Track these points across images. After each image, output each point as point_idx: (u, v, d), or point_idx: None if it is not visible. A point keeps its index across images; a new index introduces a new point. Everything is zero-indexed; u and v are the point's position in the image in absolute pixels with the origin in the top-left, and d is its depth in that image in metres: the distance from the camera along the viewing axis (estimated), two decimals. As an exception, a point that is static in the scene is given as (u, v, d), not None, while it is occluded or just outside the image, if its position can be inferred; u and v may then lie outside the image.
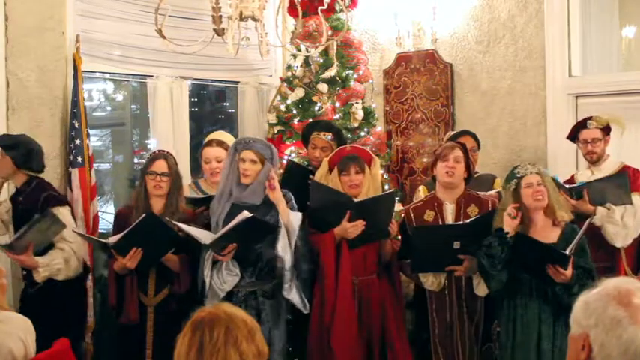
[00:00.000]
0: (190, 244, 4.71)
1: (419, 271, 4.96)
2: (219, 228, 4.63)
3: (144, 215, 4.56)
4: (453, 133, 6.22)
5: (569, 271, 4.29)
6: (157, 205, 4.88)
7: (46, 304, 4.89)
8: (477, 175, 5.69)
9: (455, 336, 4.95)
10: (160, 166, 4.84)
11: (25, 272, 5.03)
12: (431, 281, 4.96)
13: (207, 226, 4.80)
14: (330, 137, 5.53)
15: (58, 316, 4.86)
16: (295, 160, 6.44)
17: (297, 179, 5.34)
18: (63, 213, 5.03)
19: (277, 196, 4.65)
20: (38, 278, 4.88)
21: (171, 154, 5.00)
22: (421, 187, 5.70)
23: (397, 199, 5.54)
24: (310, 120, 6.51)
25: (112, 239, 4.66)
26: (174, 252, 4.76)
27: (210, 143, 5.44)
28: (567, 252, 4.29)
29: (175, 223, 4.60)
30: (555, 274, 4.30)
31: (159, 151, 5.11)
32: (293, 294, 4.68)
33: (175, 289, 4.83)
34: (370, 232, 4.82)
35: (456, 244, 4.74)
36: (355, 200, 4.81)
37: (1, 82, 5.61)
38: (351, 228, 4.75)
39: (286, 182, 5.27)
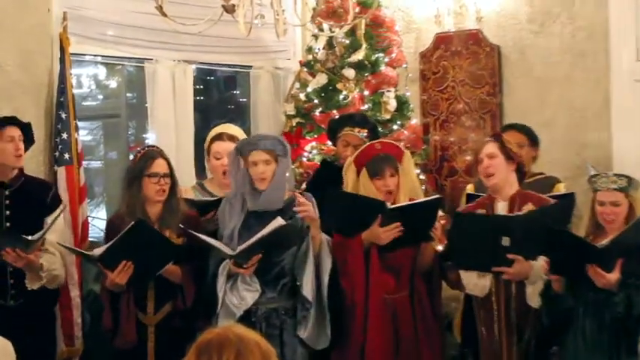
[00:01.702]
0: (192, 252, 4.75)
1: (460, 267, 4.94)
2: (235, 240, 4.67)
3: (132, 223, 4.56)
4: None
5: (613, 276, 4.24)
6: (154, 210, 4.90)
7: (21, 323, 4.88)
8: (535, 177, 5.73)
9: (502, 356, 4.92)
10: (161, 165, 4.87)
11: (12, 281, 4.98)
12: (474, 284, 4.93)
13: (214, 233, 4.84)
14: (365, 134, 5.55)
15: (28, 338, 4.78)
16: (317, 156, 6.55)
17: (330, 180, 5.31)
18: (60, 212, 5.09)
19: (312, 215, 4.69)
20: (34, 285, 4.90)
21: (163, 151, 5.04)
22: (469, 186, 5.74)
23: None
24: (334, 111, 6.57)
25: (97, 251, 4.66)
26: (174, 262, 4.78)
27: (219, 137, 5.48)
28: (605, 245, 4.26)
29: (195, 233, 4.61)
30: (596, 275, 4.27)
31: (149, 147, 5.11)
32: (308, 332, 4.73)
33: (179, 305, 4.87)
34: (407, 238, 4.83)
35: (505, 241, 4.68)
36: (389, 206, 4.82)
37: (-24, 67, 5.64)
38: (384, 233, 4.77)
39: (318, 184, 5.31)
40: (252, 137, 4.94)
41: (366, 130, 5.57)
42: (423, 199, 5.02)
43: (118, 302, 4.85)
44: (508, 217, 4.77)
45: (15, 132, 5.01)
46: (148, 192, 4.83)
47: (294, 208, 4.68)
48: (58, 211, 4.93)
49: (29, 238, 4.69)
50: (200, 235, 4.60)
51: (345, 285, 4.85)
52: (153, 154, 4.93)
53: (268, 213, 4.66)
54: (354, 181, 5.04)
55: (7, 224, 4.96)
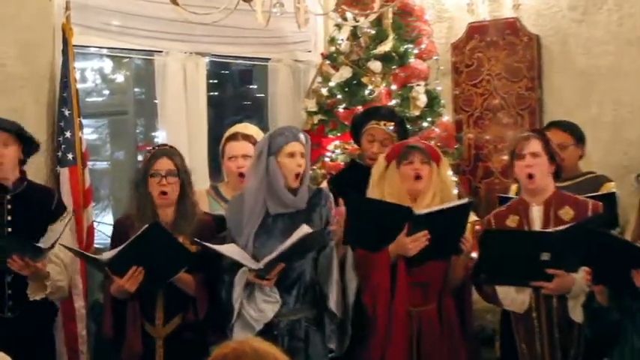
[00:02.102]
0: (207, 260, 4.69)
1: (494, 283, 4.87)
2: (251, 244, 4.64)
3: (147, 225, 4.55)
4: None
5: None
6: (166, 214, 4.86)
7: (20, 336, 4.86)
8: (584, 177, 5.69)
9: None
10: (164, 164, 4.82)
11: (9, 291, 4.93)
12: (511, 299, 4.86)
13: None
14: (392, 128, 5.48)
15: (27, 352, 4.76)
16: (341, 156, 6.55)
17: (356, 183, 5.21)
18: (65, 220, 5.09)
19: (339, 228, 4.72)
20: (37, 295, 4.88)
21: (175, 149, 5.00)
22: (513, 187, 5.71)
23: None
24: (359, 107, 6.50)
25: (107, 255, 4.64)
26: (187, 270, 4.74)
27: (235, 137, 5.42)
28: None
29: (209, 245, 4.59)
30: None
31: (159, 146, 5.12)
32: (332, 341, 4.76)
33: (190, 317, 4.81)
34: (436, 248, 4.74)
35: (544, 256, 4.64)
36: (416, 212, 4.72)
37: (-29, 59, 5.62)
38: (412, 243, 4.67)
39: (341, 185, 5.25)
40: (283, 128, 4.92)
41: (392, 124, 5.53)
42: (451, 204, 4.93)
43: (122, 309, 4.82)
44: (546, 234, 4.72)
45: None
46: (153, 193, 4.83)
47: (330, 227, 4.70)
48: (67, 217, 4.97)
49: (41, 246, 4.73)
50: (216, 247, 4.59)
51: (367, 300, 4.78)
52: (157, 153, 4.92)
53: (289, 213, 4.66)
54: (380, 175, 4.97)
55: (9, 229, 4.94)
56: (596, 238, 4.33)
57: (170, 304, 4.80)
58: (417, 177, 4.82)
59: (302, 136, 4.74)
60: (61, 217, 5.05)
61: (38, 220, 4.95)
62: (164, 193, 4.78)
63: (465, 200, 5.09)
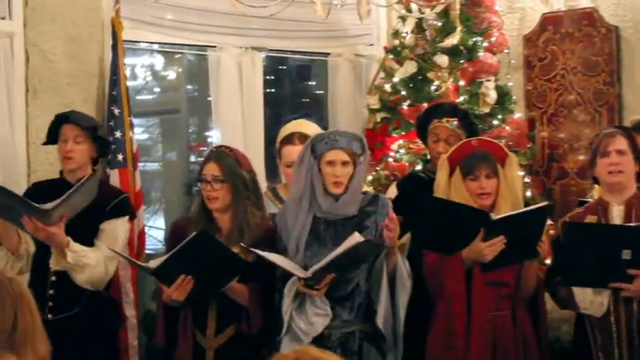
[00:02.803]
0: (262, 269, 4.69)
1: (571, 284, 4.81)
2: (302, 252, 4.64)
3: (194, 233, 4.54)
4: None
5: None
6: (222, 220, 4.86)
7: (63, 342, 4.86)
8: None
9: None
10: (211, 169, 4.81)
11: (51, 291, 4.99)
12: (589, 302, 4.80)
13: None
14: (455, 124, 5.45)
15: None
16: (406, 156, 6.49)
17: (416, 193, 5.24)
18: (119, 225, 5.14)
19: (393, 237, 4.62)
20: (57, 265, 4.94)
21: (230, 151, 4.96)
22: (596, 187, 5.61)
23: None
24: (425, 104, 6.45)
25: (154, 263, 4.65)
26: (240, 280, 4.72)
27: (290, 139, 5.40)
28: None
29: (259, 252, 4.58)
30: None
31: (215, 148, 5.10)
32: None
33: (243, 329, 4.78)
34: (513, 253, 4.72)
35: (626, 254, 4.57)
36: (493, 217, 4.71)
37: (18, 56, 5.67)
38: (488, 248, 4.65)
39: (403, 203, 5.21)
40: (327, 133, 4.87)
41: (455, 120, 5.49)
42: (529, 207, 4.93)
43: (174, 318, 4.82)
44: (630, 228, 4.68)
45: (70, 131, 5.07)
46: (204, 199, 4.85)
47: (385, 234, 4.61)
48: (85, 176, 4.93)
49: (42, 207, 4.74)
50: (265, 255, 4.56)
51: (441, 309, 4.80)
52: (208, 156, 4.94)
53: (341, 220, 4.66)
54: (445, 182, 4.96)
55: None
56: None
57: (223, 314, 4.78)
58: (482, 196, 4.82)
59: (346, 142, 4.69)
60: (116, 218, 5.11)
61: (90, 218, 4.98)
62: (210, 199, 4.79)
63: (544, 203, 5.08)
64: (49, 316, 4.94)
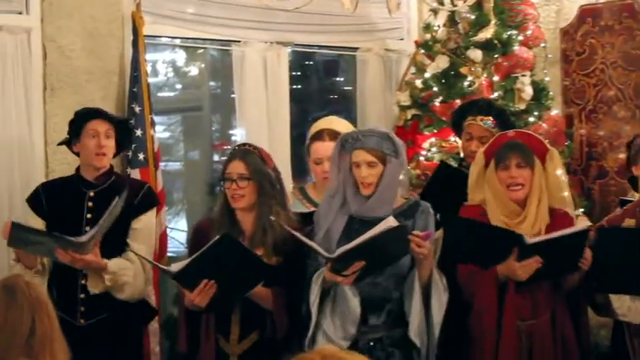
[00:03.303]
0: (286, 273, 4.70)
1: (607, 291, 4.82)
2: (333, 246, 4.61)
3: (217, 237, 4.54)
4: None
5: None
6: (246, 221, 4.87)
7: (94, 348, 4.91)
8: None
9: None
10: (236, 167, 4.82)
11: (82, 295, 5.01)
12: (627, 308, 4.80)
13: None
14: (490, 122, 5.44)
15: None
16: (437, 155, 6.50)
17: (449, 187, 5.26)
18: (151, 219, 5.23)
19: (426, 255, 4.58)
20: (96, 288, 4.93)
21: (255, 149, 4.97)
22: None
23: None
24: (457, 100, 6.47)
25: (176, 267, 4.64)
26: (264, 284, 4.72)
27: (320, 136, 5.40)
28: None
29: (294, 232, 4.57)
30: None
31: (238, 146, 5.09)
32: None
33: (268, 334, 4.81)
34: (549, 271, 4.69)
35: None
36: (528, 240, 4.64)
37: (35, 52, 5.70)
38: (522, 269, 4.62)
39: (433, 191, 5.24)
40: (356, 132, 4.86)
41: (490, 118, 5.48)
42: (567, 230, 4.81)
43: (197, 323, 4.85)
44: None
45: (101, 126, 5.09)
46: (228, 198, 4.85)
47: (412, 246, 4.55)
48: (113, 202, 4.90)
49: (78, 240, 4.75)
50: (298, 235, 4.55)
51: (473, 322, 4.81)
52: (232, 154, 4.94)
53: (376, 221, 4.56)
54: (478, 175, 4.96)
55: (87, 228, 5.00)
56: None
57: (246, 319, 4.79)
58: (511, 187, 4.79)
59: (371, 141, 4.65)
60: (145, 212, 5.17)
61: (120, 218, 4.97)
62: (235, 198, 4.80)
63: (585, 226, 5.02)
64: (82, 321, 5.00)
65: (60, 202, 5.09)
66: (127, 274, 4.98)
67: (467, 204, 4.95)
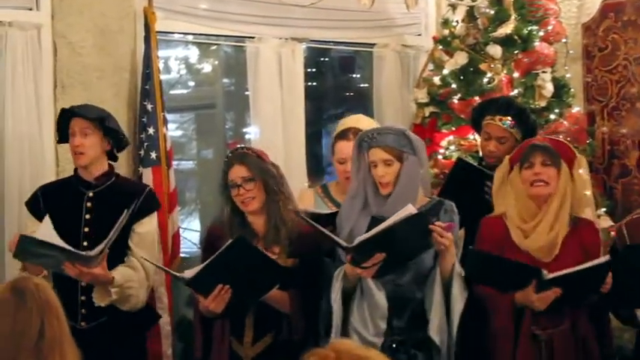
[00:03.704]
0: (302, 275, 4.71)
1: (632, 306, 4.79)
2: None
3: (231, 240, 4.54)
4: None
5: None
6: (257, 223, 4.88)
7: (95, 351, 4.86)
8: None
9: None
10: (238, 172, 4.82)
11: (83, 297, 5.01)
12: None
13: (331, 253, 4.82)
14: (508, 123, 5.40)
15: None
16: (456, 153, 6.48)
17: (467, 184, 5.26)
18: (153, 222, 5.19)
19: (449, 248, 4.58)
20: (102, 301, 4.92)
21: (249, 150, 4.98)
22: None
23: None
24: (476, 98, 6.49)
25: (189, 273, 4.63)
26: (280, 287, 4.72)
27: (345, 134, 5.41)
28: None
29: (314, 223, 4.58)
30: None
31: (232, 151, 5.08)
32: None
33: (284, 337, 4.81)
34: (568, 301, 4.66)
35: None
36: (547, 275, 4.59)
37: (45, 48, 5.71)
38: (539, 301, 4.59)
39: (451, 188, 5.24)
40: (371, 130, 4.84)
41: (509, 118, 5.44)
42: (587, 264, 4.71)
43: (210, 327, 4.87)
44: None
45: (78, 124, 5.06)
46: (237, 203, 4.85)
47: (434, 236, 4.55)
48: (122, 215, 4.90)
49: (88, 254, 4.75)
50: (316, 225, 4.56)
51: (489, 345, 4.79)
52: (228, 161, 4.93)
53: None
54: (502, 178, 4.93)
55: (86, 229, 5.02)
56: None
57: (260, 322, 4.81)
58: (536, 182, 4.75)
59: (385, 139, 4.65)
60: (147, 215, 5.14)
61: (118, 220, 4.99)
62: (244, 202, 4.79)
63: (604, 259, 4.96)
64: (83, 324, 4.99)
65: (59, 204, 5.07)
66: (133, 286, 4.99)
67: (489, 216, 4.90)
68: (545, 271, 4.53)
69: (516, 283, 4.58)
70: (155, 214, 5.20)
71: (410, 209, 4.35)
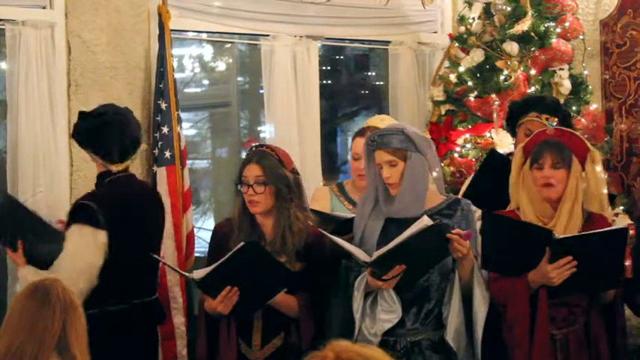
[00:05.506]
0: (310, 280, 4.72)
1: None
2: (372, 249, 4.59)
3: (242, 244, 4.54)
4: None
5: None
6: (265, 225, 4.86)
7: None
8: None
9: None
10: (252, 171, 4.78)
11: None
12: None
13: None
14: (555, 124, 5.35)
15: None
16: (472, 152, 6.52)
17: (498, 174, 5.23)
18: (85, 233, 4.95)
19: (462, 250, 4.55)
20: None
21: (272, 151, 4.92)
22: None
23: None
24: (493, 95, 6.50)
25: (198, 273, 4.65)
26: (288, 291, 4.72)
27: (363, 132, 5.41)
28: None
29: (328, 234, 4.59)
30: None
31: (255, 147, 5.03)
32: None
33: (291, 340, 4.84)
34: (587, 280, 4.61)
35: None
36: (557, 236, 4.59)
37: (59, 47, 5.73)
38: (555, 272, 4.55)
39: (483, 178, 5.31)
40: (374, 133, 4.80)
41: (556, 119, 5.41)
42: (599, 230, 4.71)
43: (217, 328, 4.84)
44: None
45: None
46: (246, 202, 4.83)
47: (452, 246, 4.53)
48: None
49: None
50: (333, 237, 4.56)
51: (506, 336, 4.76)
52: (247, 157, 4.89)
53: (412, 221, 4.53)
54: (517, 171, 4.90)
55: None
56: None
57: (269, 325, 4.79)
58: (544, 187, 4.73)
59: (386, 140, 4.62)
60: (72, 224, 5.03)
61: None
62: (255, 203, 4.76)
63: (619, 226, 4.96)
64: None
65: None
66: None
67: (502, 212, 4.88)
68: (555, 233, 4.54)
69: (530, 254, 4.55)
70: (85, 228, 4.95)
71: (425, 221, 4.35)
